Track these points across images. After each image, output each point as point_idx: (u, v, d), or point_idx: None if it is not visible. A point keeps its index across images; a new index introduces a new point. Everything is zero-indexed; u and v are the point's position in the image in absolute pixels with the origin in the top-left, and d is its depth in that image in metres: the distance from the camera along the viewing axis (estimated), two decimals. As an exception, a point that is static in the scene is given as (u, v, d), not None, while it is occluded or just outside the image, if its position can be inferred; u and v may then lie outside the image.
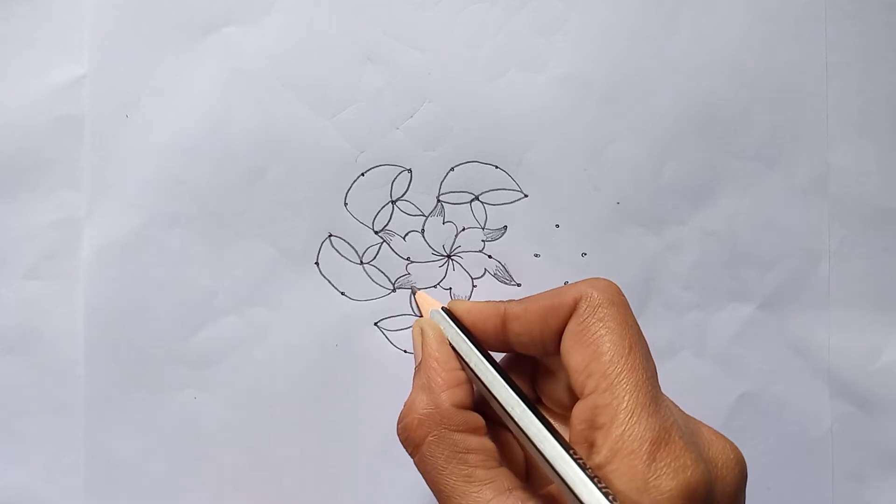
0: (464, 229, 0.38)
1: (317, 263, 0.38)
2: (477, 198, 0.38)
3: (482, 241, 0.38)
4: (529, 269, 0.38)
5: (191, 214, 0.37)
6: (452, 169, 0.38)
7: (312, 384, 0.37)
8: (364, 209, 0.38)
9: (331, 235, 0.38)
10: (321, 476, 0.37)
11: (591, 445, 0.26)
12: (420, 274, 0.38)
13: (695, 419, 0.28)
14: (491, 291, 0.38)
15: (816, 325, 0.39)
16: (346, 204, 0.38)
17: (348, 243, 0.38)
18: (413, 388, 0.31)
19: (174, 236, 0.37)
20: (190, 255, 0.37)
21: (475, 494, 0.27)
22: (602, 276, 0.30)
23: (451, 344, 0.31)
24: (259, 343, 0.37)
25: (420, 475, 0.29)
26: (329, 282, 0.38)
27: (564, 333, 0.29)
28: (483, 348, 0.31)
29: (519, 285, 0.38)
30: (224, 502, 0.37)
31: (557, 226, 0.38)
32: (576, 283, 0.30)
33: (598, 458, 0.25)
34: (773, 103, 0.39)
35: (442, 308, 0.33)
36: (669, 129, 0.38)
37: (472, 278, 0.38)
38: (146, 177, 0.37)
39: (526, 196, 0.38)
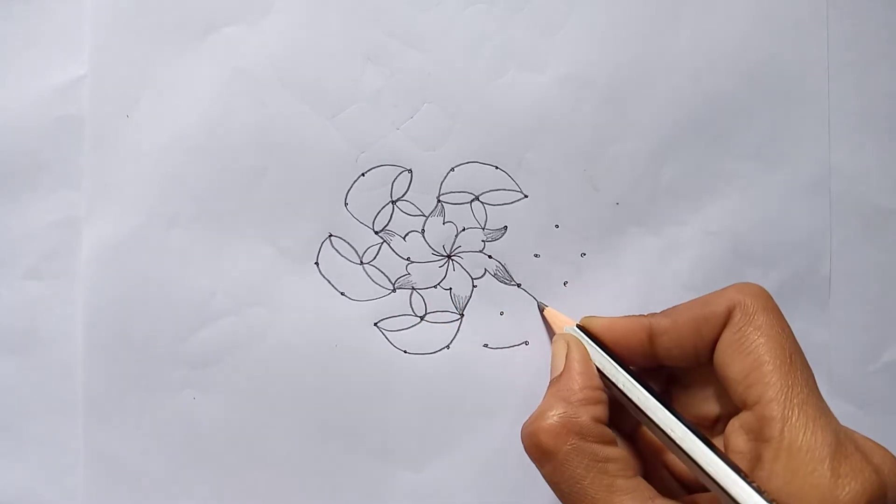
0: (464, 229, 0.38)
1: (317, 263, 0.38)
2: (477, 198, 0.38)
3: (482, 241, 0.38)
4: (529, 270, 0.38)
5: (191, 214, 0.37)
6: (452, 169, 0.38)
7: (312, 384, 0.37)
8: (364, 209, 0.38)
9: (331, 235, 0.38)
10: (321, 476, 0.37)
11: (755, 459, 0.26)
12: (420, 274, 0.38)
13: (848, 428, 0.27)
14: (491, 291, 0.38)
15: (816, 325, 0.39)
16: (346, 204, 0.38)
17: (348, 243, 0.38)
18: (547, 397, 0.30)
19: (174, 236, 0.37)
20: (190, 255, 0.37)
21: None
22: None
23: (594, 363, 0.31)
24: (259, 343, 0.37)
25: (548, 484, 0.29)
26: (329, 282, 0.38)
27: (719, 343, 0.28)
28: (626, 365, 0.31)
29: (519, 285, 0.38)
30: (224, 502, 0.37)
31: (557, 226, 0.38)
32: (724, 289, 0.29)
33: (775, 478, 0.25)
34: (773, 103, 0.39)
35: (577, 326, 0.33)
36: (670, 129, 0.38)
37: (472, 278, 0.38)
38: (146, 177, 0.37)
39: (526, 196, 0.38)
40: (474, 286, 0.38)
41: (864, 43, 0.39)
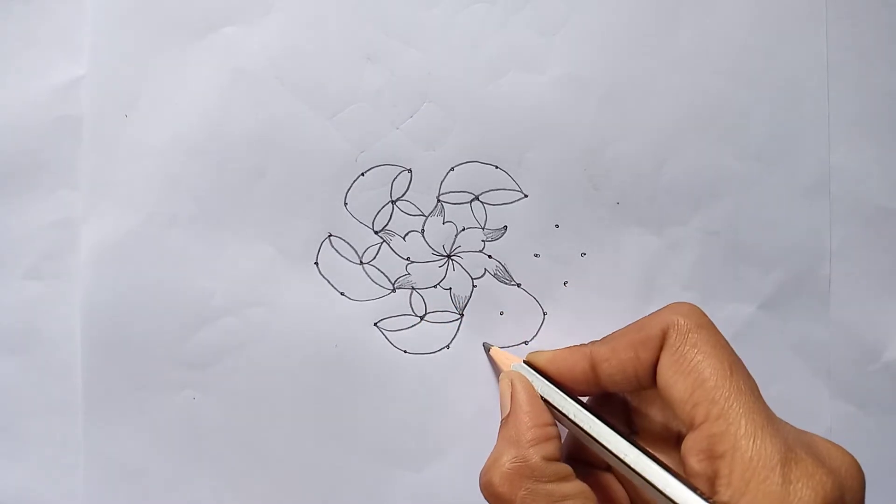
0: (464, 229, 0.38)
1: (316, 263, 0.38)
2: (477, 198, 0.38)
3: (482, 241, 0.38)
4: (529, 269, 0.38)
5: (190, 214, 0.37)
6: (452, 169, 0.38)
7: (312, 384, 0.37)
8: (364, 209, 0.38)
9: (330, 235, 0.38)
10: (321, 476, 0.37)
11: (713, 476, 0.26)
12: (420, 274, 0.38)
13: (804, 431, 0.27)
14: (491, 291, 0.38)
15: (816, 325, 0.39)
16: (345, 204, 0.38)
17: (348, 243, 0.38)
18: (499, 440, 0.30)
19: (173, 236, 0.37)
20: (189, 255, 0.37)
21: None
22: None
23: (541, 396, 0.31)
24: (258, 343, 0.37)
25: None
26: (329, 282, 0.38)
27: (659, 366, 0.28)
28: (574, 396, 0.31)
29: (519, 285, 0.38)
30: (224, 502, 0.37)
31: (557, 226, 0.38)
32: (656, 312, 0.29)
33: (730, 490, 0.25)
34: (773, 103, 0.39)
35: (523, 361, 0.33)
36: (670, 129, 0.38)
37: (471, 278, 0.38)
38: (145, 177, 0.37)
39: (526, 196, 0.38)
40: (474, 286, 0.38)
41: (863, 43, 0.39)
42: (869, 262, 0.39)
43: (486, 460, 0.30)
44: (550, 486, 0.28)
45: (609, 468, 0.33)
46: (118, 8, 0.37)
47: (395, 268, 0.38)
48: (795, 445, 0.25)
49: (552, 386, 0.31)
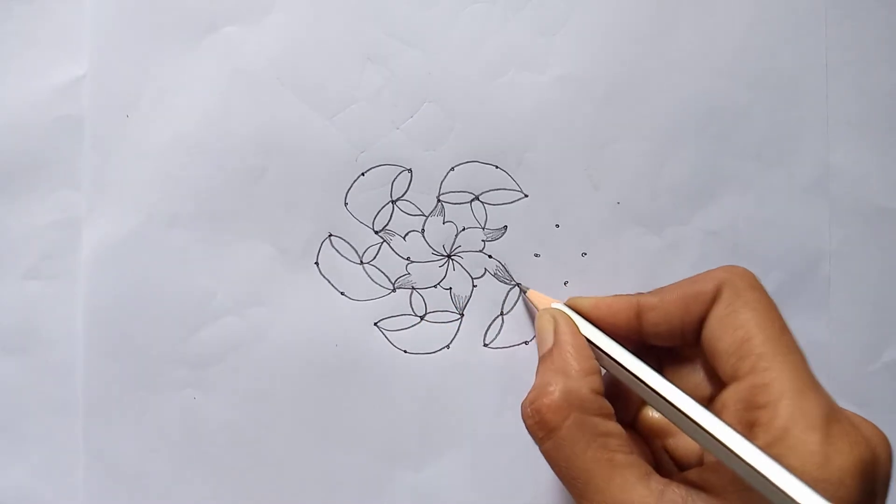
0: (464, 229, 0.38)
1: (317, 263, 0.38)
2: (477, 198, 0.38)
3: (482, 240, 0.38)
4: (529, 269, 0.38)
5: (190, 214, 0.37)
6: (453, 169, 0.38)
7: (312, 384, 0.37)
8: (364, 209, 0.38)
9: (331, 235, 0.38)
10: (321, 476, 0.37)
11: (750, 426, 0.26)
12: (420, 274, 0.38)
13: (839, 406, 0.27)
14: (491, 291, 0.38)
15: (816, 325, 0.39)
16: (346, 204, 0.38)
17: (348, 243, 0.38)
18: (542, 372, 0.30)
19: (174, 236, 0.37)
20: (190, 255, 0.37)
21: (618, 479, 0.26)
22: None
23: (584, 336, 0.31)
24: (259, 343, 0.37)
25: (548, 460, 0.28)
26: (329, 282, 0.38)
27: (709, 319, 0.29)
28: (615, 339, 0.31)
29: (519, 285, 0.38)
30: (224, 502, 0.37)
31: (557, 226, 0.38)
32: (712, 270, 0.30)
33: (768, 436, 0.25)
34: (773, 103, 0.39)
35: (564, 303, 0.33)
36: (670, 129, 0.38)
37: (472, 278, 0.38)
38: (146, 177, 0.37)
39: (526, 196, 0.38)
40: (474, 286, 0.38)
41: (863, 43, 0.39)
42: (869, 262, 0.39)
43: (524, 405, 0.30)
44: (596, 421, 0.28)
45: (632, 426, 0.33)
46: (119, 8, 0.37)
47: (396, 268, 0.38)
48: (836, 408, 0.25)
49: (594, 327, 0.31)
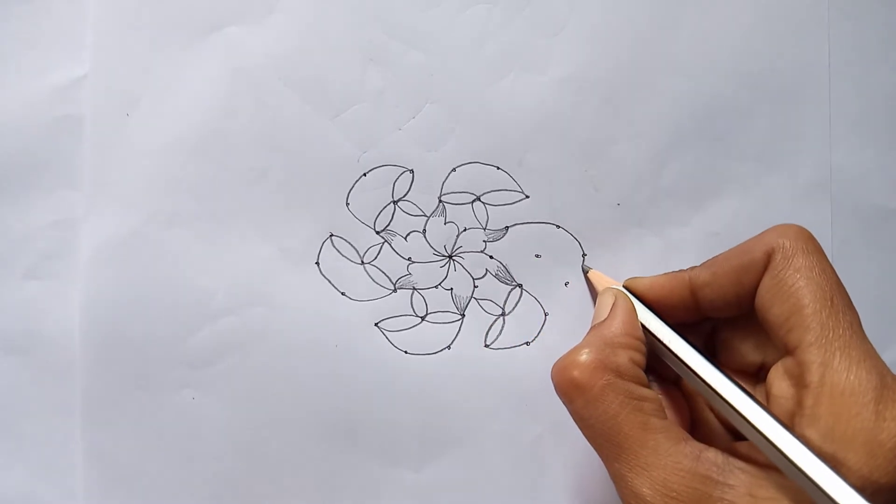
0: (465, 230, 0.38)
1: (317, 263, 0.38)
2: (478, 198, 0.38)
3: (483, 241, 0.38)
4: (530, 270, 0.38)
5: (191, 214, 0.37)
6: (454, 169, 0.38)
7: (312, 384, 0.37)
8: (365, 209, 0.38)
9: (332, 235, 0.38)
10: (321, 476, 0.37)
11: (798, 404, 0.25)
12: (421, 274, 0.38)
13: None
14: (492, 291, 0.38)
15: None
16: (347, 204, 0.38)
17: (349, 243, 0.38)
18: (586, 338, 0.30)
19: (174, 236, 0.37)
20: (190, 255, 0.37)
21: (651, 442, 0.26)
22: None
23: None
24: (259, 343, 0.37)
25: (576, 421, 0.28)
26: (330, 282, 0.38)
27: (759, 288, 0.28)
28: (669, 322, 0.30)
29: (520, 286, 0.38)
30: (223, 502, 0.37)
31: (558, 227, 0.38)
32: (764, 233, 0.29)
33: (819, 424, 0.24)
34: (774, 104, 0.39)
35: (623, 286, 0.33)
36: (671, 130, 0.38)
37: (473, 279, 0.38)
38: (146, 176, 0.37)
39: (527, 197, 0.38)
40: (475, 286, 0.38)
41: (864, 44, 0.39)
42: (869, 262, 0.39)
43: (556, 364, 0.29)
44: (631, 385, 0.27)
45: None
46: (120, 7, 0.37)
47: (397, 268, 0.38)
48: (888, 378, 0.24)
49: (649, 311, 0.31)
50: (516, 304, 0.38)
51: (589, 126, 0.38)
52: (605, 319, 0.30)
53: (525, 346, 0.38)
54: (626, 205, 0.38)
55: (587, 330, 0.32)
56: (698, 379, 0.28)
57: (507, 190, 0.38)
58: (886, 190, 0.39)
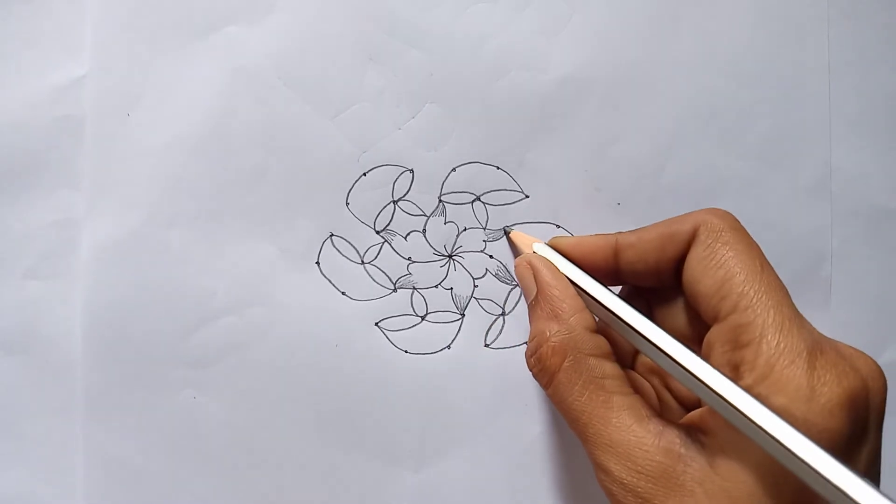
0: (465, 229, 0.38)
1: (318, 263, 0.38)
2: (478, 198, 0.38)
3: (483, 241, 0.38)
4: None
5: (191, 214, 0.37)
6: (454, 169, 0.38)
7: (312, 384, 0.37)
8: (365, 209, 0.38)
9: (332, 235, 0.38)
10: (321, 476, 0.37)
11: (736, 367, 0.26)
12: (421, 274, 0.38)
13: (826, 336, 0.27)
14: (492, 291, 0.38)
15: (817, 326, 0.39)
16: (347, 204, 0.38)
17: (349, 243, 0.38)
18: (535, 320, 0.30)
19: (174, 236, 0.37)
20: (190, 255, 0.37)
21: (615, 420, 0.27)
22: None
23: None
24: (259, 343, 0.37)
25: (554, 405, 0.29)
26: (330, 282, 0.38)
27: (688, 260, 0.29)
28: (597, 279, 0.30)
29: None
30: (224, 502, 0.37)
31: (558, 226, 0.38)
32: (691, 212, 0.29)
33: (754, 374, 0.25)
34: (774, 104, 0.39)
35: (546, 244, 0.33)
36: (671, 129, 0.38)
37: (473, 278, 0.38)
38: (146, 176, 0.37)
39: (527, 196, 0.38)
40: (475, 286, 0.38)
41: (864, 44, 0.39)
42: (869, 262, 0.39)
43: (527, 353, 0.30)
44: (592, 361, 0.28)
45: (632, 366, 0.33)
46: (120, 7, 0.37)
47: (397, 268, 0.38)
48: (822, 340, 0.25)
49: (575, 267, 0.31)
50: (516, 304, 0.38)
51: (589, 126, 0.38)
52: (538, 293, 0.31)
53: (525, 345, 0.38)
54: (627, 204, 0.38)
55: None
56: (636, 333, 0.28)
57: (507, 190, 0.38)
58: (886, 190, 0.39)
